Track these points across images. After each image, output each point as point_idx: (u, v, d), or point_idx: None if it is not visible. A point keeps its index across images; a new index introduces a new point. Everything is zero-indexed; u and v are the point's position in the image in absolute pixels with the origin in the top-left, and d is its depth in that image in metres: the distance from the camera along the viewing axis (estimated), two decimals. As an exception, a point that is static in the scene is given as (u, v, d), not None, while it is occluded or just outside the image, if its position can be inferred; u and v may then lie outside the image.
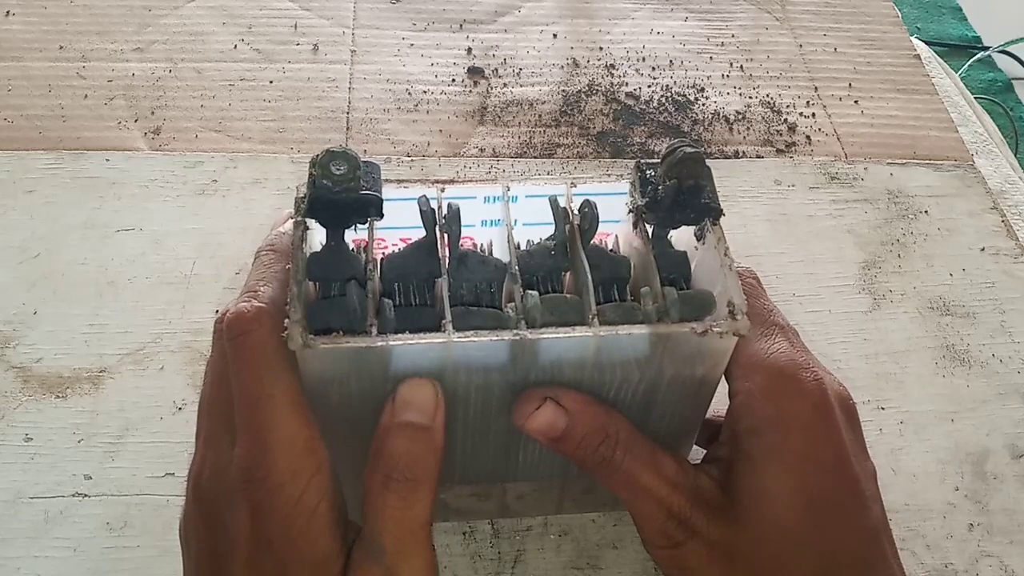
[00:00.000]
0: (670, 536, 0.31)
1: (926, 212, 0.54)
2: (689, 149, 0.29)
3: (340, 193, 0.28)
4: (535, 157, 0.56)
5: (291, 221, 0.29)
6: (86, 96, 0.57)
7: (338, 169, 0.28)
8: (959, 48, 1.51)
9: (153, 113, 0.56)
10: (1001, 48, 1.46)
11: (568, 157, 0.56)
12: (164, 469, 0.41)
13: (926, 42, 0.70)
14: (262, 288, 0.28)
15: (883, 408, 0.45)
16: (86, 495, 0.40)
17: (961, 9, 1.62)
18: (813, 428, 0.31)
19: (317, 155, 0.28)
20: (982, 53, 1.46)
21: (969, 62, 1.41)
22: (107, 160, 0.53)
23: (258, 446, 0.27)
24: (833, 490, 0.31)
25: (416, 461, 0.27)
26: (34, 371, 0.44)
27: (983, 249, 0.52)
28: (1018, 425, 0.45)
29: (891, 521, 0.41)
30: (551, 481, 0.36)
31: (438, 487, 0.28)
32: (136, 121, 0.56)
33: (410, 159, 0.55)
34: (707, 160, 0.30)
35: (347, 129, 0.57)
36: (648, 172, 0.30)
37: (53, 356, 0.44)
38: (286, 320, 0.26)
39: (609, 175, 0.32)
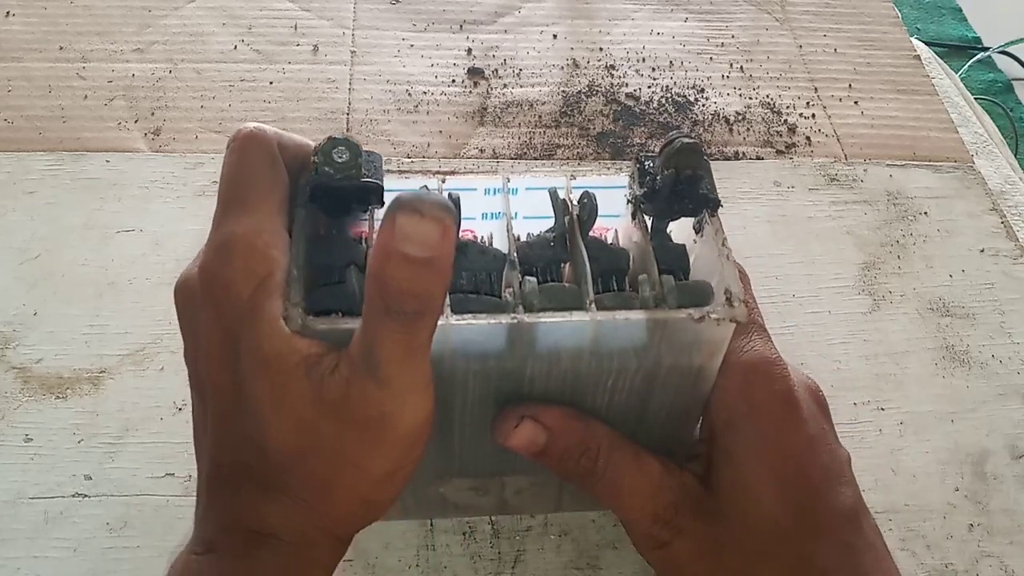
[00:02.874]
0: (656, 537, 0.31)
1: (926, 213, 0.54)
2: (686, 139, 0.29)
3: (341, 180, 0.28)
4: (535, 158, 0.56)
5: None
6: (86, 97, 0.57)
7: (340, 157, 0.28)
8: (959, 49, 1.51)
9: (153, 114, 0.56)
10: (1001, 49, 1.46)
11: (568, 158, 0.56)
12: (164, 469, 0.41)
13: (926, 43, 0.70)
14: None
15: (883, 409, 0.45)
16: (86, 495, 0.40)
17: (961, 10, 1.62)
18: (784, 419, 0.32)
19: (320, 142, 0.28)
20: (982, 54, 1.46)
21: (969, 63, 1.42)
22: (107, 161, 0.53)
23: (216, 244, 0.27)
24: (806, 477, 0.32)
25: (417, 297, 0.24)
26: (34, 371, 0.44)
27: (983, 250, 0.52)
28: (1018, 425, 0.45)
29: (891, 521, 0.41)
30: (549, 475, 0.36)
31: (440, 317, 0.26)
32: (136, 122, 0.56)
33: (410, 160, 0.55)
34: (707, 161, 0.30)
35: (347, 130, 0.57)
36: (647, 164, 0.31)
37: (53, 357, 0.44)
38: (286, 303, 0.26)
39: (609, 173, 0.32)
